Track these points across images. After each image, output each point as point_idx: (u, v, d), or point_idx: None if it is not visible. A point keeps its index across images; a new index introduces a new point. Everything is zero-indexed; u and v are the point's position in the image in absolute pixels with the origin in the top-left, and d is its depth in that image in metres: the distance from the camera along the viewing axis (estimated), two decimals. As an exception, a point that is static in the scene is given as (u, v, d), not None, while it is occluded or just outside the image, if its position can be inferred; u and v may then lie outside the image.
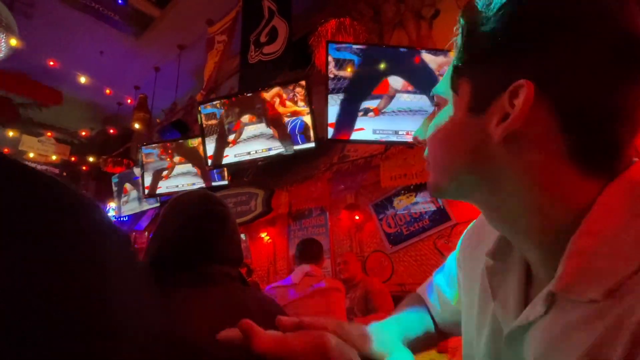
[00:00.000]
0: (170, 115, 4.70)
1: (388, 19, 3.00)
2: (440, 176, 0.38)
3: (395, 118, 2.05)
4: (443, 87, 0.38)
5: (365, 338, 0.43)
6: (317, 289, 1.60)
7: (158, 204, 4.08)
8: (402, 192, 2.53)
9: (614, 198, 0.28)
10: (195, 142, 3.43)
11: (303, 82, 2.60)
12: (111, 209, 4.72)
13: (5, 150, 4.69)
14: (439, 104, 0.39)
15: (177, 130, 4.30)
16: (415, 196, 2.49)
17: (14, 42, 2.37)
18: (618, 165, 0.29)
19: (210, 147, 2.88)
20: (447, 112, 0.37)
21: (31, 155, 4.75)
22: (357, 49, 2.11)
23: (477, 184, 0.35)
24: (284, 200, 3.11)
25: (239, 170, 3.34)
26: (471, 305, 0.44)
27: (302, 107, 2.58)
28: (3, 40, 2.22)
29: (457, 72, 0.36)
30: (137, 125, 3.80)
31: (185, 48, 3.89)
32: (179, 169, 3.48)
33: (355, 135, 2.07)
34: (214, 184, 3.42)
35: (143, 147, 3.59)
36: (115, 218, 4.73)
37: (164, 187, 3.52)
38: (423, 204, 2.43)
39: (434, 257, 2.33)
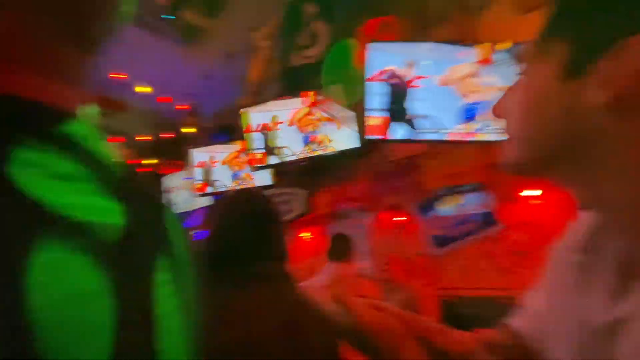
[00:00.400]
0: (218, 120, 4.98)
1: (433, 12, 2.90)
2: (526, 148, 0.35)
3: (437, 117, 1.99)
4: (531, 51, 0.35)
5: None
6: None
7: (209, 202, 4.35)
8: (448, 193, 2.43)
9: None
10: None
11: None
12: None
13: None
14: (524, 71, 0.37)
15: (226, 134, 4.55)
16: (463, 197, 2.38)
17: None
18: None
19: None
20: (533, 79, 0.35)
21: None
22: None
23: (570, 155, 0.32)
24: (325, 200, 3.14)
25: (282, 169, 3.43)
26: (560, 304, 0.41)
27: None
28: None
29: (550, 31, 0.33)
30: (188, 130, 4.08)
31: (232, 56, 4.10)
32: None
33: (394, 135, 2.04)
34: (258, 184, 3.57)
35: (194, 150, 3.86)
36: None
37: (214, 185, 3.75)
38: (471, 206, 2.32)
39: (483, 261, 2.21)
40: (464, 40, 2.30)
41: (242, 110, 3.08)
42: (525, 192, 2.10)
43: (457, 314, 2.19)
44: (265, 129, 2.93)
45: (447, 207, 2.42)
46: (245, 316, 0.67)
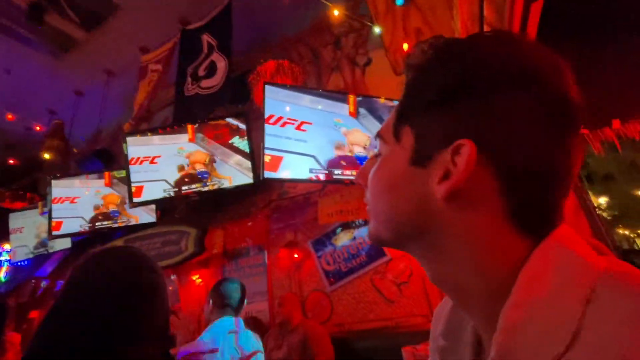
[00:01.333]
0: (92, 144, 4.23)
1: (326, 63, 3.19)
2: (381, 226, 0.36)
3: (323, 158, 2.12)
4: (386, 132, 0.37)
5: None
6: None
7: (70, 246, 3.52)
8: (341, 228, 2.55)
9: (541, 261, 0.28)
10: (121, 173, 3.11)
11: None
12: (4, 252, 3.92)
13: None
14: (381, 149, 0.38)
15: (100, 160, 3.89)
16: (354, 232, 2.53)
17: None
18: (549, 227, 0.30)
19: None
20: (389, 160, 0.36)
21: None
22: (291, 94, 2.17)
23: (419, 238, 0.33)
24: (219, 239, 2.91)
25: (168, 206, 3.08)
26: None
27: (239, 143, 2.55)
28: None
29: (400, 120, 0.35)
30: (47, 155, 3.32)
31: (113, 74, 3.62)
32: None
33: (291, 174, 2.07)
34: (141, 221, 3.09)
35: (53, 180, 3.13)
36: (9, 263, 3.93)
37: (77, 225, 3.06)
38: (360, 240, 2.47)
39: (371, 293, 2.34)
40: (349, 91, 2.58)
41: (126, 136, 2.70)
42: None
43: (351, 349, 2.23)
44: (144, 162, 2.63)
45: (341, 242, 2.53)
46: None
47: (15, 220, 3.77)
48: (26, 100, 3.73)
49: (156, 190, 2.62)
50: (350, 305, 2.39)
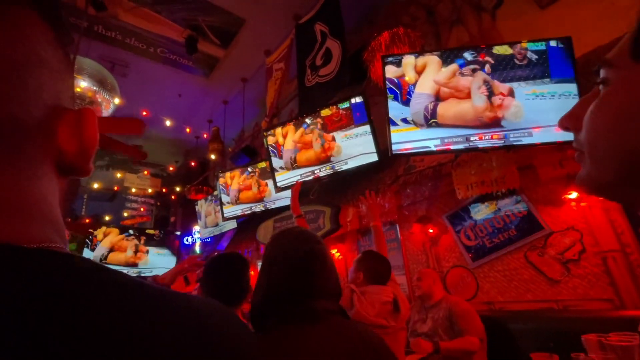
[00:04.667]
0: (239, 143, 5.11)
1: (443, 18, 2.84)
2: (606, 167, 0.31)
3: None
4: (619, 55, 0.32)
5: None
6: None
7: (236, 226, 4.42)
8: (481, 200, 2.31)
9: None
10: (263, 164, 3.67)
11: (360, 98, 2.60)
12: (196, 232, 5.26)
13: (116, 188, 5.63)
14: (606, 80, 0.33)
15: (247, 155, 4.66)
16: (497, 204, 2.26)
17: (117, 100, 2.85)
18: None
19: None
20: (626, 85, 0.31)
21: (133, 190, 5.61)
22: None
23: None
24: (352, 216, 3.10)
25: (304, 189, 3.44)
26: None
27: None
28: (110, 100, 2.69)
29: None
30: (212, 156, 4.20)
31: (248, 80, 4.22)
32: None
33: (419, 146, 1.98)
34: (279, 204, 3.59)
35: (219, 174, 3.97)
36: (200, 240, 5.27)
37: (239, 209, 3.81)
38: (507, 212, 2.19)
39: (526, 271, 2.06)
40: (478, 44, 2.23)
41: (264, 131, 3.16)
42: (570, 195, 1.96)
43: (503, 330, 2.05)
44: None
45: (482, 216, 2.30)
46: (305, 355, 0.67)
47: (199, 208, 5.00)
48: (193, 115, 4.79)
49: (294, 176, 2.98)
50: (500, 284, 2.17)
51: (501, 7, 2.43)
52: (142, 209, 6.25)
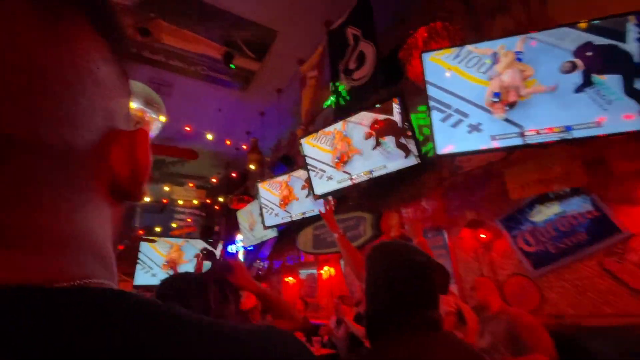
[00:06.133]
0: (276, 152, 5.21)
1: (484, 8, 2.66)
2: None
3: (523, 115, 1.75)
4: None
5: None
6: None
7: (276, 234, 4.48)
8: (539, 201, 2.09)
9: None
10: (300, 173, 3.68)
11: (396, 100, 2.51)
12: (239, 240, 5.41)
13: (165, 200, 6.01)
14: None
15: (284, 164, 4.72)
16: (558, 205, 2.02)
17: (163, 118, 3.03)
18: None
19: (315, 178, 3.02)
20: None
21: (180, 202, 5.94)
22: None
23: None
24: (394, 221, 2.97)
25: (343, 195, 3.38)
26: None
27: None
28: (156, 119, 2.86)
29: None
30: (252, 166, 4.31)
31: (282, 90, 4.29)
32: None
33: (467, 145, 1.84)
34: (317, 212, 3.57)
35: (258, 184, 4.06)
36: (243, 248, 5.41)
37: (279, 218, 3.85)
38: (574, 213, 1.94)
39: (604, 280, 1.80)
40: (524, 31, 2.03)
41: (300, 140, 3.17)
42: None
43: (576, 348, 1.80)
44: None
45: (542, 218, 2.07)
46: None
47: (241, 217, 5.14)
48: (232, 127, 4.97)
49: (331, 182, 2.94)
50: (570, 294, 1.93)
51: (551, -13, 2.21)
52: (188, 220, 6.59)
